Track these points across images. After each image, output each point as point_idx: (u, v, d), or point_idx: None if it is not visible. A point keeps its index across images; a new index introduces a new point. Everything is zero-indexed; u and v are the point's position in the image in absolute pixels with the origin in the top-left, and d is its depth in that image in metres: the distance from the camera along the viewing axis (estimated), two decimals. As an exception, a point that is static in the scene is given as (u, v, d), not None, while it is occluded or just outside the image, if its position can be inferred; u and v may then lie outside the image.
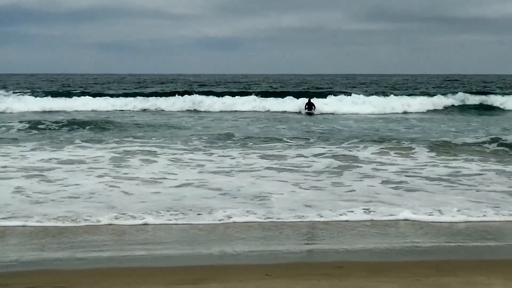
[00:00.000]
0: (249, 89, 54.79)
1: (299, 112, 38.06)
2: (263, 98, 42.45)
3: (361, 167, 15.72)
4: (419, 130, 26.94)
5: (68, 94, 45.42)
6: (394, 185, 13.34)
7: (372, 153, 18.11)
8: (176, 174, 14.63)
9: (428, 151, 18.31)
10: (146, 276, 7.35)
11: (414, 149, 18.74)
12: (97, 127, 26.39)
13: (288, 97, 42.93)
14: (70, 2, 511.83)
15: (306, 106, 38.53)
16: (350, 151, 18.50)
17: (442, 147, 19.07)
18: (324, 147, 19.30)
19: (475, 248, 8.93)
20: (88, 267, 7.85)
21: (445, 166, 15.87)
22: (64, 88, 57.55)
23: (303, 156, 17.44)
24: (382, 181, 13.80)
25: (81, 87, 59.22)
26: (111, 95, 44.55)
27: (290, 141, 21.24)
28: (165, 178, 14.04)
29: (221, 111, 38.77)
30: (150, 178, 14.07)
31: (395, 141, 20.55)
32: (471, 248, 8.93)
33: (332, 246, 8.99)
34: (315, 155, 17.57)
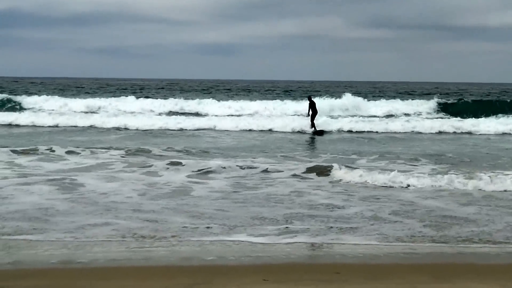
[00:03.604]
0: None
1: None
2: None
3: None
4: None
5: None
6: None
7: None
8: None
9: None
10: (142, 280, 7.35)
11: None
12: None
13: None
14: (68, 7, 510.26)
15: (309, 112, 29.40)
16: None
17: None
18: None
19: (471, 253, 8.97)
20: (83, 269, 7.84)
21: None
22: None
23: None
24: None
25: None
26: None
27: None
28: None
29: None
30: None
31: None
32: (467, 254, 8.97)
33: (329, 250, 9.03)
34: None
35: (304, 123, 29.99)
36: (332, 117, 33.72)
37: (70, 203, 11.82)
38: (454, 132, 30.12)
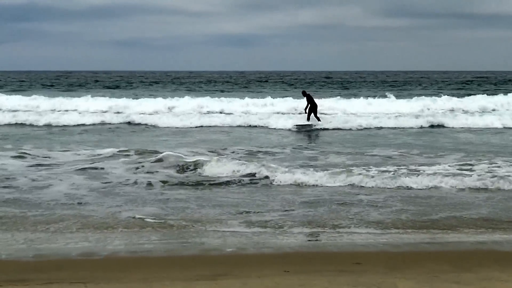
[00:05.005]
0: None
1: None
2: None
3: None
4: None
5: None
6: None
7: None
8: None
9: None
10: (164, 272, 7.36)
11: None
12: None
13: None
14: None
15: (307, 109, 27.49)
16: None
17: None
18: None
19: (492, 242, 8.91)
20: (104, 261, 7.89)
21: None
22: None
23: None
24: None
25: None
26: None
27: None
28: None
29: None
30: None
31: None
32: (488, 242, 8.92)
33: (350, 241, 9.01)
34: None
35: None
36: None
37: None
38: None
